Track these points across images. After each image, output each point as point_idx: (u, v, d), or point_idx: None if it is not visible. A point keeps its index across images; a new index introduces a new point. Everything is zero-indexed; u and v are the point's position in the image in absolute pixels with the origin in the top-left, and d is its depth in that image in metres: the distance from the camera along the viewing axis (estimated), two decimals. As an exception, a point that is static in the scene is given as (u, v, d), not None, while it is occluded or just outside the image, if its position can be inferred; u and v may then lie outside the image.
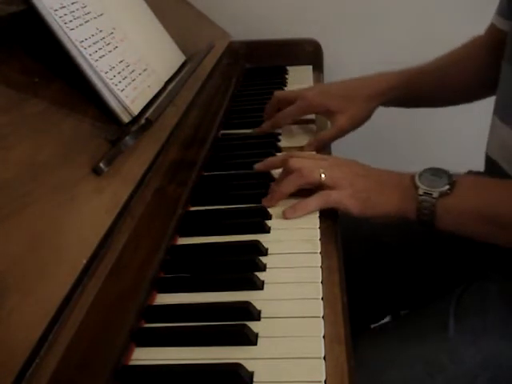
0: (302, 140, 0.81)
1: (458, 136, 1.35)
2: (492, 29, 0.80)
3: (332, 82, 0.89)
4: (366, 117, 0.82)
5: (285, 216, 0.60)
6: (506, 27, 0.74)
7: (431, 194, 0.57)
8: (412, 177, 0.60)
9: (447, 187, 0.57)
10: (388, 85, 0.82)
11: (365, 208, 0.60)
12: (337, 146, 0.83)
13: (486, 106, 0.90)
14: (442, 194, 0.57)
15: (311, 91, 0.83)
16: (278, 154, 0.77)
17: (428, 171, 0.60)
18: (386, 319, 0.85)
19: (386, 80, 0.83)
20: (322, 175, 0.60)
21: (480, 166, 0.80)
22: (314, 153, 0.77)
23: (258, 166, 0.69)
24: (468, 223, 0.58)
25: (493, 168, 0.71)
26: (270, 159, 0.70)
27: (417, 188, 0.58)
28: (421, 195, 0.58)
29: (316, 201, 0.60)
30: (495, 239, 0.59)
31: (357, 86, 0.83)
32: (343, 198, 0.60)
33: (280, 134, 0.84)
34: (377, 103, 0.82)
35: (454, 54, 0.85)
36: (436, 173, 0.59)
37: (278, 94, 0.85)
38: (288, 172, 0.63)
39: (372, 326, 0.79)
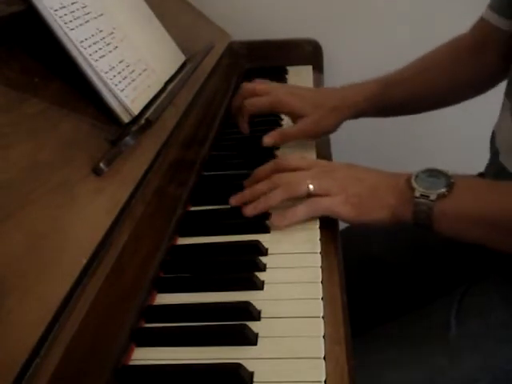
0: (301, 143, 0.80)
1: (458, 135, 1.35)
2: (483, 25, 0.77)
3: (303, 87, 0.88)
4: (331, 126, 0.79)
5: (272, 223, 0.58)
6: (506, 27, 0.73)
7: (428, 197, 0.55)
8: (408, 178, 0.57)
9: (445, 189, 0.55)
10: (361, 97, 0.79)
11: (360, 214, 0.58)
12: (337, 146, 0.83)
13: (484, 105, 0.90)
14: (440, 196, 0.54)
15: (282, 89, 0.81)
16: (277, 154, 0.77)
17: (425, 172, 0.57)
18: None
19: (359, 92, 0.80)
20: (310, 186, 0.58)
21: (481, 165, 0.80)
22: (301, 157, 0.70)
23: (247, 183, 0.66)
24: (466, 227, 0.56)
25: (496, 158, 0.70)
26: (257, 173, 0.65)
27: (413, 190, 0.56)
28: (417, 198, 0.55)
29: (304, 209, 0.58)
30: (494, 244, 0.57)
31: (327, 95, 0.81)
32: (335, 204, 0.58)
33: None
34: (344, 115, 0.79)
35: (436, 55, 0.82)
36: (433, 174, 0.57)
37: (247, 84, 0.80)
38: (274, 185, 0.60)
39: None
